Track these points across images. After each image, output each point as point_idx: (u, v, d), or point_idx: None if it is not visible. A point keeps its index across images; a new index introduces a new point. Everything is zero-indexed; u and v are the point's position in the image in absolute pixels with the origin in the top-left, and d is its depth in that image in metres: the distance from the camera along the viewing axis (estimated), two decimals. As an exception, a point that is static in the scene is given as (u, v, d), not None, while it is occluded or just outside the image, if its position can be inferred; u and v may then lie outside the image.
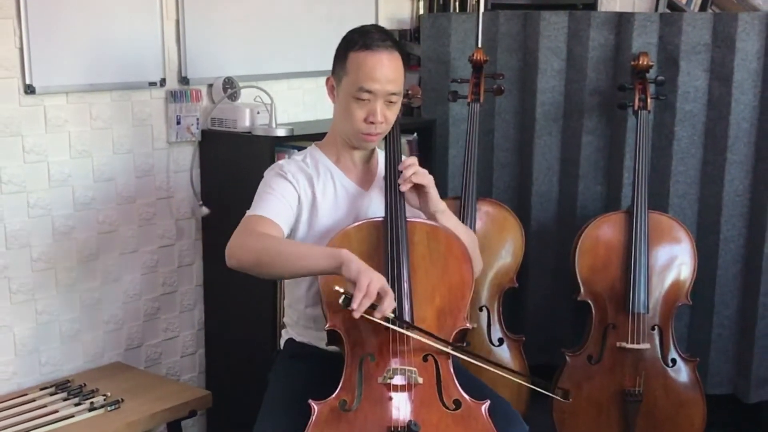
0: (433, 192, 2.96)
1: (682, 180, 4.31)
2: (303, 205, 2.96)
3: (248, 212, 2.88)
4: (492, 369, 2.97)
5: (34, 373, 3.62)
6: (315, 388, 2.74)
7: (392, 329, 2.69)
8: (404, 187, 2.90)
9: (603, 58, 4.38)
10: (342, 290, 2.55)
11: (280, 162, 3.06)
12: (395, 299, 2.62)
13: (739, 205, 4.25)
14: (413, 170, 2.90)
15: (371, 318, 2.60)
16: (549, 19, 4.44)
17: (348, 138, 2.99)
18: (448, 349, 2.80)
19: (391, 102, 2.91)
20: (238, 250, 2.74)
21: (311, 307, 3.01)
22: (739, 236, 4.28)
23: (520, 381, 3.32)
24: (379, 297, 2.55)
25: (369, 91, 2.85)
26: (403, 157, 2.99)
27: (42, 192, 3.54)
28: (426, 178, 2.93)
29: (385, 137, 3.02)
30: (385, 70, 2.86)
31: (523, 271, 4.40)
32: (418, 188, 2.95)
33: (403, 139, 3.04)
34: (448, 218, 3.01)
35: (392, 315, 2.61)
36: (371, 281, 2.52)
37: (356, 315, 2.53)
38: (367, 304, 2.52)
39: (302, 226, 2.98)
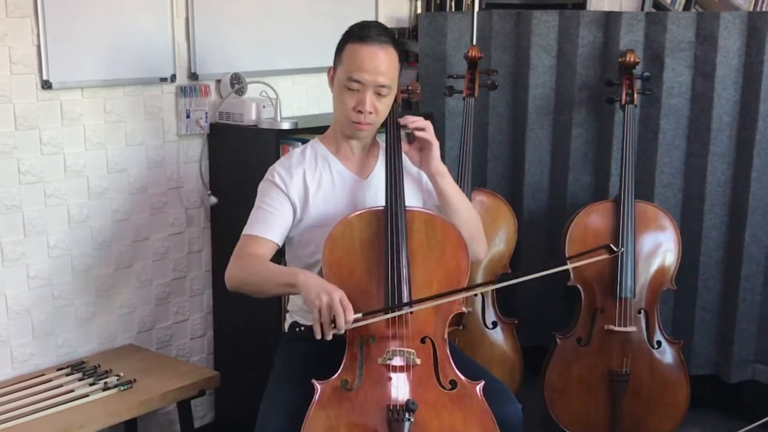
0: (436, 152, 3.00)
1: (666, 171, 4.30)
2: (295, 202, 2.99)
3: (244, 230, 2.97)
4: (526, 279, 2.98)
5: (51, 355, 3.62)
6: (318, 368, 2.75)
7: (396, 315, 2.73)
8: (409, 126, 2.99)
9: (592, 55, 4.37)
10: (300, 328, 2.72)
11: (275, 164, 3.09)
12: (350, 306, 2.61)
13: (721, 194, 4.24)
14: (421, 124, 2.98)
15: (366, 322, 2.68)
16: (540, 18, 4.43)
17: (341, 126, 3.02)
18: (458, 296, 2.89)
19: (380, 94, 2.91)
20: (229, 279, 2.94)
21: None
22: (721, 224, 4.27)
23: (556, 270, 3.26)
24: (335, 314, 2.59)
25: (358, 81, 2.87)
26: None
27: (58, 182, 3.53)
28: (430, 134, 2.98)
29: (386, 130, 3.03)
30: (376, 62, 2.87)
31: (516, 258, 4.39)
32: (422, 145, 2.99)
33: (402, 132, 3.04)
34: (448, 184, 3.05)
35: (351, 326, 2.62)
36: (321, 308, 2.57)
37: (327, 338, 2.62)
38: (327, 329, 2.59)
39: (298, 215, 3.00)
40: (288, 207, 2.97)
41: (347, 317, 2.58)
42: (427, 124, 2.98)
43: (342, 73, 2.90)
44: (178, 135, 3.91)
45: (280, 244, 2.97)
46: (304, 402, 2.65)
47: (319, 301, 2.57)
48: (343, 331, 2.61)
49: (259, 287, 2.85)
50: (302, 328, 2.69)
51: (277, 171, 3.02)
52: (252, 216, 2.98)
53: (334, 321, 2.57)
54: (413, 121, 2.97)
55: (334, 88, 2.98)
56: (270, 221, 2.94)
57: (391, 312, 2.73)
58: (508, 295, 4.54)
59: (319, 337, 2.59)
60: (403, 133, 3.07)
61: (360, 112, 2.89)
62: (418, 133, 2.96)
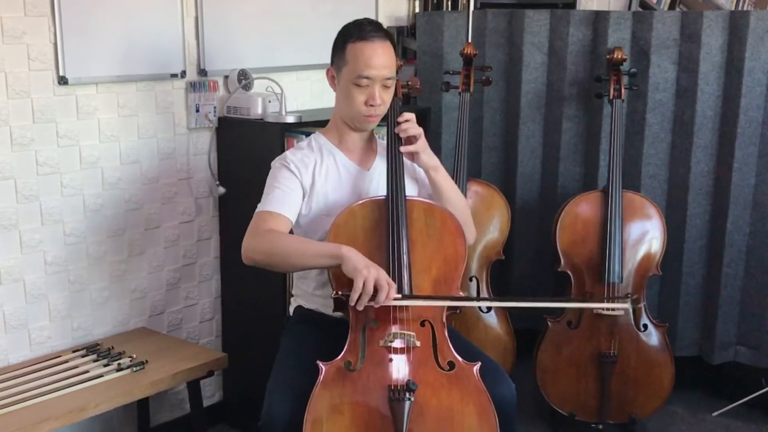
0: (423, 155, 3.00)
1: (652, 162, 4.30)
2: (305, 189, 2.97)
3: (258, 207, 2.92)
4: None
5: (67, 337, 3.61)
6: (322, 350, 2.75)
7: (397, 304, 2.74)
8: (403, 134, 2.98)
9: (581, 52, 4.36)
10: (339, 294, 2.68)
11: (286, 153, 3.08)
12: (395, 286, 2.65)
13: (704, 184, 4.24)
14: (412, 132, 2.98)
15: (404, 303, 2.72)
16: (532, 16, 4.43)
17: (350, 121, 3.01)
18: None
19: (386, 86, 2.93)
20: (251, 252, 2.81)
21: (319, 286, 3.02)
22: (704, 213, 4.27)
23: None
24: (376, 290, 2.60)
25: (368, 78, 2.88)
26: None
27: (74, 173, 3.52)
28: (416, 130, 2.99)
29: (387, 123, 3.03)
30: (380, 58, 2.88)
31: (509, 245, 4.39)
32: (412, 142, 3.00)
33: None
34: (441, 176, 3.05)
35: (390, 303, 2.65)
36: (366, 280, 2.58)
37: (359, 308, 2.63)
38: (365, 300, 2.60)
39: (305, 205, 2.99)
40: (299, 189, 2.96)
41: (390, 294, 2.61)
42: (419, 132, 3.00)
43: (349, 72, 2.89)
44: (188, 128, 3.90)
45: (293, 222, 2.95)
46: (308, 382, 2.64)
47: (367, 272, 2.59)
48: (378, 306, 2.63)
49: (289, 259, 2.78)
50: (341, 295, 2.67)
51: (289, 158, 3.00)
52: (266, 195, 2.94)
53: (374, 295, 2.60)
54: (405, 130, 2.98)
55: (339, 87, 2.98)
56: (285, 199, 2.91)
57: (431, 300, 2.81)
58: (502, 280, 4.56)
59: (353, 305, 2.62)
60: None
61: (371, 105, 2.90)
62: (403, 149, 2.98)
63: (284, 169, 2.98)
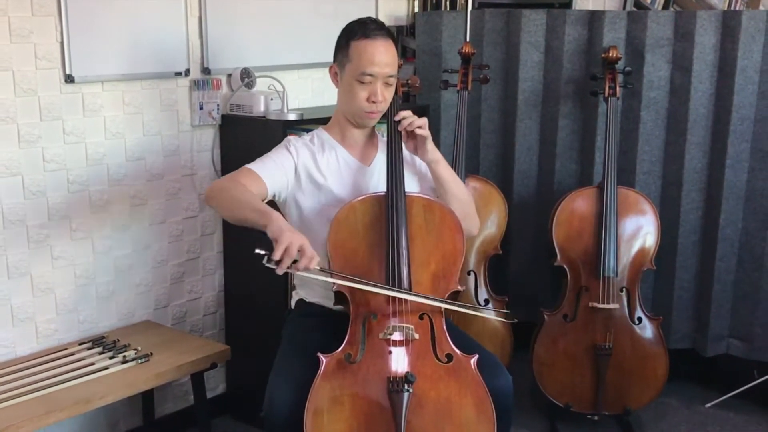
0: (430, 144, 3.00)
1: (647, 159, 4.29)
2: (300, 174, 2.99)
3: (245, 165, 2.95)
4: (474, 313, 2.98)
5: (74, 330, 3.61)
6: (323, 342, 2.75)
7: (392, 295, 2.74)
8: (409, 127, 2.98)
9: (577, 51, 4.35)
10: (262, 252, 2.54)
11: (290, 137, 3.11)
12: (318, 258, 2.58)
13: (698, 181, 4.23)
14: (418, 122, 2.97)
15: (371, 289, 2.71)
16: (529, 16, 4.42)
17: (352, 117, 3.01)
18: (440, 304, 2.84)
19: (388, 84, 2.94)
20: (210, 190, 2.88)
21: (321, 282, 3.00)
22: (697, 209, 4.26)
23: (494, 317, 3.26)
24: (300, 254, 2.53)
25: (371, 75, 2.89)
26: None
27: (80, 170, 3.52)
28: (421, 121, 2.99)
29: (388, 120, 3.03)
30: (383, 56, 2.90)
31: (506, 240, 4.39)
32: (419, 141, 3.00)
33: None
34: (444, 169, 3.05)
35: (317, 268, 2.59)
36: (291, 242, 2.50)
37: (279, 272, 2.53)
38: (287, 262, 2.51)
39: (307, 198, 3.00)
40: (291, 169, 2.98)
41: (312, 263, 2.54)
42: (424, 122, 2.99)
43: (353, 69, 2.90)
44: (192, 125, 3.89)
45: (270, 193, 2.94)
46: (310, 374, 2.65)
47: (294, 237, 2.51)
48: (301, 268, 2.55)
49: (232, 207, 2.76)
50: (262, 253, 2.54)
51: (293, 142, 3.04)
52: (258, 159, 2.99)
53: (295, 261, 2.53)
54: (410, 123, 2.98)
55: (341, 84, 2.99)
56: (271, 168, 2.94)
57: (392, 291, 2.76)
58: (499, 274, 4.55)
59: (272, 265, 2.53)
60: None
61: (373, 102, 2.91)
62: (418, 131, 2.96)
63: (283, 149, 3.03)
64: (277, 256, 2.50)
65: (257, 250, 2.54)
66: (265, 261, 2.54)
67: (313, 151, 3.03)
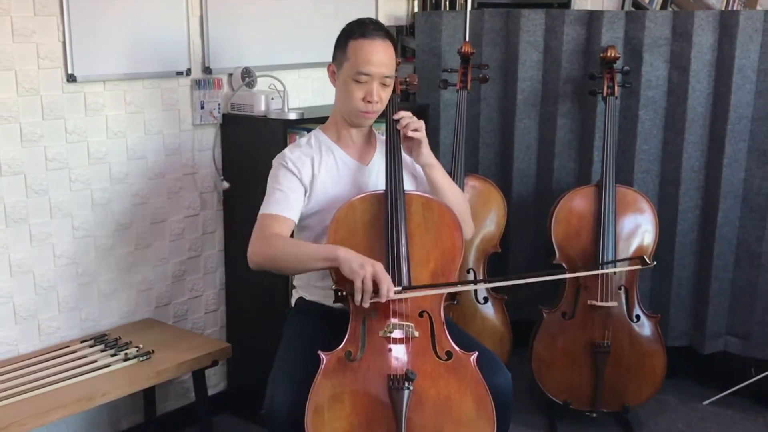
0: (425, 147, 3.02)
1: (645, 158, 4.29)
2: (306, 185, 2.97)
3: (261, 209, 2.93)
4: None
5: (76, 328, 3.61)
6: (323, 340, 2.74)
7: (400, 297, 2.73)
8: (405, 129, 2.99)
9: (575, 50, 4.35)
10: (342, 294, 2.69)
11: (284, 151, 3.07)
12: (393, 276, 2.69)
13: (695, 179, 4.24)
14: (414, 125, 2.98)
15: (406, 295, 2.73)
16: (528, 16, 4.42)
17: (348, 116, 3.00)
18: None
19: (384, 84, 2.93)
20: (256, 257, 2.85)
21: (320, 278, 3.01)
22: (695, 207, 4.27)
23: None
24: (376, 285, 2.60)
25: (367, 74, 2.88)
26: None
27: (82, 168, 3.52)
28: (418, 123, 3.00)
29: (386, 120, 3.03)
30: (380, 56, 2.89)
31: (505, 238, 4.39)
32: (413, 143, 3.01)
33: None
34: (438, 173, 3.05)
35: (394, 296, 2.64)
36: (365, 279, 2.58)
37: (365, 305, 2.63)
38: (368, 298, 2.60)
39: (306, 200, 2.99)
40: (301, 189, 2.96)
41: (389, 287, 2.61)
42: (420, 125, 3.00)
43: (349, 68, 2.89)
44: (193, 125, 3.89)
45: (296, 222, 2.96)
46: (310, 372, 2.64)
47: (364, 270, 2.58)
48: (384, 300, 2.62)
49: (291, 263, 2.82)
50: (344, 294, 2.68)
51: (288, 157, 3.00)
52: (268, 197, 2.94)
53: (375, 291, 2.60)
54: (406, 125, 2.98)
55: (338, 82, 2.98)
56: (287, 201, 2.92)
57: (432, 288, 2.80)
58: (499, 272, 4.55)
59: (358, 303, 2.61)
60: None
61: (369, 102, 2.90)
62: (411, 134, 2.97)
63: (283, 169, 2.98)
64: (357, 300, 2.62)
65: (333, 287, 2.73)
66: (341, 296, 2.72)
67: (311, 156, 3.01)
